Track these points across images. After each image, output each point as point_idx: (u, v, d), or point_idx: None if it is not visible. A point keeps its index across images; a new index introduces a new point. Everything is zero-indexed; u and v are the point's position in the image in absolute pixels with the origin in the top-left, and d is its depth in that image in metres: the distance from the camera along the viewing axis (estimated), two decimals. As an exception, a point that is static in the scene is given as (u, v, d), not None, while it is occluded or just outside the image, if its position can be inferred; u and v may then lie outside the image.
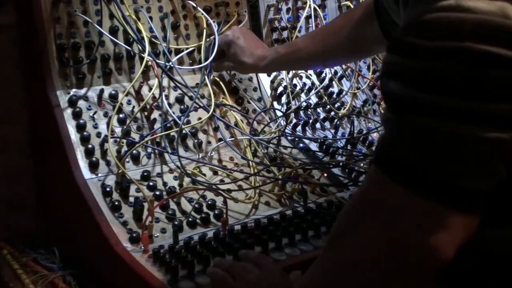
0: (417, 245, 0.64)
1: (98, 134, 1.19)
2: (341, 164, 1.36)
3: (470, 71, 0.60)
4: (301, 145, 1.40)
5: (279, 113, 1.45)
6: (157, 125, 1.25)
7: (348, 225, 0.71)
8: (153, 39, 1.30)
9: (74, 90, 1.22)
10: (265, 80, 1.48)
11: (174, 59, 1.33)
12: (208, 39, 1.37)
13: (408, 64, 0.63)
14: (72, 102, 1.20)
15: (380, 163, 0.67)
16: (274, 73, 1.50)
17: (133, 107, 1.25)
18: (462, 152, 0.61)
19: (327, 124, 1.51)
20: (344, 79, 1.61)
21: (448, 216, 0.63)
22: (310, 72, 1.57)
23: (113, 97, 1.24)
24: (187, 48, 1.37)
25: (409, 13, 0.67)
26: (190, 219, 1.12)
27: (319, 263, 0.75)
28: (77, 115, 1.19)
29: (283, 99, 1.49)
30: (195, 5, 1.38)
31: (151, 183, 1.17)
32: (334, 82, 1.57)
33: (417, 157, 0.63)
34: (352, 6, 1.66)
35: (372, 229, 0.67)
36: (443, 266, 0.65)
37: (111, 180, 1.15)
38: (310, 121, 1.49)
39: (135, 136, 1.23)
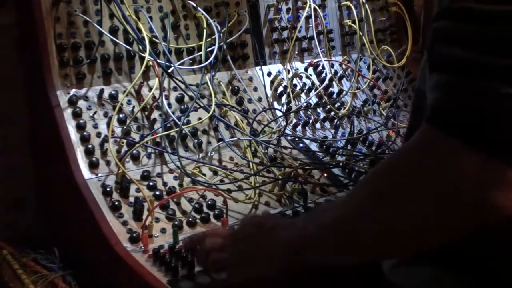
0: (473, 199, 0.64)
1: (98, 134, 1.19)
2: (341, 164, 1.36)
3: None
4: (301, 145, 1.40)
5: (279, 113, 1.45)
6: (157, 125, 1.25)
7: (396, 180, 0.71)
8: (153, 39, 1.30)
9: (74, 90, 1.22)
10: (265, 80, 1.48)
11: (176, 60, 1.33)
12: (208, 39, 1.37)
13: (467, 28, 0.64)
14: (72, 102, 1.20)
15: (438, 123, 0.67)
16: (274, 73, 1.50)
17: (133, 107, 1.25)
18: None
19: (327, 124, 1.51)
20: (344, 79, 1.61)
21: (510, 173, 0.63)
22: (310, 72, 1.57)
23: (113, 97, 1.24)
24: (187, 48, 1.37)
25: None
26: (190, 219, 1.12)
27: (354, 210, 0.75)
28: (77, 115, 1.19)
29: (283, 99, 1.49)
30: (195, 5, 1.38)
31: (151, 183, 1.17)
32: (334, 82, 1.57)
33: (481, 117, 0.63)
34: (352, 6, 1.67)
35: (426, 185, 0.67)
36: (500, 222, 0.65)
37: (111, 180, 1.15)
38: (310, 121, 1.49)
39: (135, 136, 1.23)
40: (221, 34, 1.40)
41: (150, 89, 1.29)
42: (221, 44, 1.39)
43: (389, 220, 0.71)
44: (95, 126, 1.20)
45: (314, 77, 1.57)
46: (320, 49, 1.59)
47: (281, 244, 0.83)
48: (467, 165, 0.64)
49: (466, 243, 0.69)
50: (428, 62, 0.71)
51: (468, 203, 0.64)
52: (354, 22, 1.66)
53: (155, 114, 1.27)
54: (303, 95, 1.52)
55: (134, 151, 1.19)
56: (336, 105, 1.55)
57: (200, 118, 1.30)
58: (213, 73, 1.38)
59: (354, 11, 1.67)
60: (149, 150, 1.23)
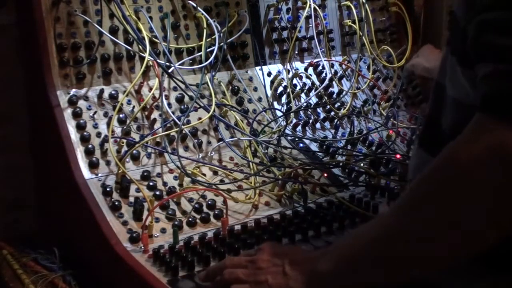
0: None
1: (98, 134, 1.19)
2: (341, 164, 1.36)
3: None
4: (301, 145, 1.40)
5: (279, 113, 1.45)
6: (157, 125, 1.25)
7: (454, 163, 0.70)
8: (153, 39, 1.30)
9: (74, 90, 1.22)
10: (265, 80, 1.48)
11: (176, 60, 1.33)
12: (208, 39, 1.37)
13: None
14: (72, 102, 1.20)
15: (495, 110, 0.67)
16: (274, 73, 1.50)
17: (133, 107, 1.25)
18: None
19: (327, 124, 1.51)
20: (344, 79, 1.61)
21: None
22: (310, 72, 1.57)
23: (113, 97, 1.24)
24: (187, 48, 1.37)
25: None
26: (190, 219, 1.12)
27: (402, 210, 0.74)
28: (77, 115, 1.19)
29: (283, 99, 1.49)
30: (195, 5, 1.38)
31: (151, 183, 1.17)
32: (334, 82, 1.57)
33: None
34: (352, 6, 1.67)
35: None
36: None
37: (111, 180, 1.15)
38: (310, 121, 1.49)
39: (135, 136, 1.23)
40: (221, 34, 1.40)
41: (150, 89, 1.29)
42: (221, 44, 1.39)
43: (453, 216, 0.69)
44: (95, 126, 1.20)
45: (314, 77, 1.57)
46: (320, 49, 1.59)
47: (318, 279, 0.80)
48: None
49: None
50: (473, 53, 0.71)
51: None
52: (354, 22, 1.66)
53: (155, 114, 1.27)
54: (303, 95, 1.52)
55: (134, 151, 1.19)
56: (336, 105, 1.55)
57: (200, 118, 1.30)
58: (213, 73, 1.38)
59: (354, 11, 1.67)
60: (149, 150, 1.23)
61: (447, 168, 0.70)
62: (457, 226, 0.70)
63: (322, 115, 1.52)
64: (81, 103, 1.21)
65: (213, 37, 1.38)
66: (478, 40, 0.70)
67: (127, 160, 1.19)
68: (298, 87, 1.52)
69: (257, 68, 1.50)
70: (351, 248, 0.80)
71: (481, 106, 0.68)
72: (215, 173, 1.26)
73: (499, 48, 0.68)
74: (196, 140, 1.28)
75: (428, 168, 0.74)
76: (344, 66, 1.63)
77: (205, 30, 1.37)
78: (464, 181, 0.68)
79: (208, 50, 1.37)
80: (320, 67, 1.58)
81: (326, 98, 1.54)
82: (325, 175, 1.31)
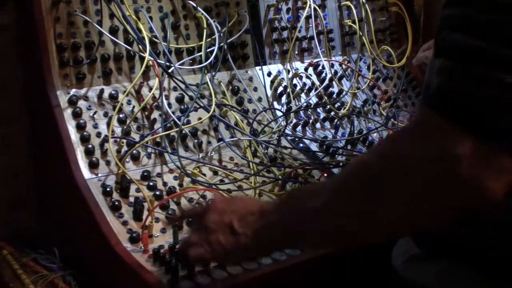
0: (466, 179, 0.65)
1: (98, 134, 1.19)
2: (341, 164, 1.36)
3: None
4: (301, 145, 1.40)
5: (279, 113, 1.45)
6: (157, 125, 1.25)
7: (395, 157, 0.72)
8: (153, 39, 1.30)
9: (74, 90, 1.22)
10: (265, 80, 1.48)
11: (176, 60, 1.33)
12: (208, 39, 1.37)
13: (478, 17, 0.65)
14: (72, 102, 1.20)
15: (438, 106, 0.68)
16: (274, 73, 1.50)
17: (133, 107, 1.25)
18: None
19: (327, 124, 1.51)
20: (344, 79, 1.61)
21: (502, 159, 0.65)
22: (310, 72, 1.57)
23: (113, 97, 1.24)
24: (187, 48, 1.37)
25: None
26: (190, 219, 1.12)
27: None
28: (77, 115, 1.19)
29: (283, 99, 1.49)
30: (195, 5, 1.38)
31: (151, 183, 1.17)
32: (334, 82, 1.57)
33: (482, 103, 0.65)
34: (352, 6, 1.67)
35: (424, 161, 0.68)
36: (487, 206, 0.67)
37: (111, 180, 1.15)
38: (310, 121, 1.49)
39: (135, 136, 1.23)
40: (221, 34, 1.40)
41: (150, 89, 1.29)
42: (221, 44, 1.39)
43: (387, 201, 0.71)
44: (95, 126, 1.20)
45: (314, 77, 1.57)
46: (320, 49, 1.59)
47: (281, 231, 0.83)
48: (463, 147, 0.65)
49: (468, 233, 0.69)
50: (433, 48, 0.72)
51: (462, 182, 0.66)
52: (354, 22, 1.66)
53: (155, 114, 1.27)
54: (303, 95, 1.52)
55: (134, 151, 1.19)
56: (336, 105, 1.55)
57: (200, 118, 1.30)
58: (213, 73, 1.38)
59: (354, 11, 1.67)
60: (149, 150, 1.23)
61: (393, 160, 0.72)
62: (375, 215, 0.72)
63: (322, 115, 1.52)
64: (81, 103, 1.21)
65: (213, 37, 1.38)
66: (437, 36, 0.71)
67: (127, 160, 1.19)
68: (298, 87, 1.52)
69: (257, 68, 1.50)
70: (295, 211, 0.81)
71: (427, 101, 0.69)
72: (215, 173, 1.26)
73: (449, 44, 0.68)
74: (196, 140, 1.28)
75: (371, 155, 0.79)
76: (344, 66, 1.63)
77: (205, 30, 1.37)
78: (398, 166, 0.70)
79: (208, 50, 1.37)
80: (320, 67, 1.58)
81: (326, 98, 1.54)
82: (325, 175, 1.31)
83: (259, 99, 1.45)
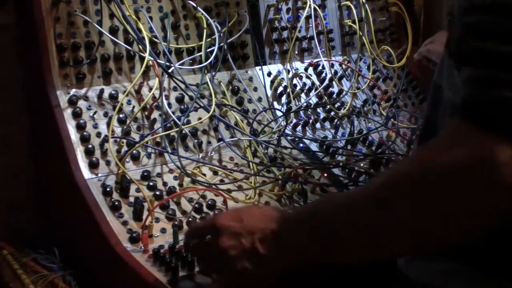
0: (507, 187, 0.65)
1: (98, 134, 1.19)
2: (341, 164, 1.36)
3: None
4: (301, 145, 1.40)
5: (279, 113, 1.45)
6: (157, 125, 1.25)
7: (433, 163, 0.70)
8: (153, 39, 1.30)
9: (74, 90, 1.22)
10: (265, 80, 1.48)
11: (176, 60, 1.33)
12: (208, 39, 1.37)
13: (504, 22, 0.65)
14: (72, 102, 1.20)
15: (471, 116, 0.67)
16: (274, 73, 1.50)
17: (133, 107, 1.25)
18: None
19: (327, 124, 1.51)
20: (344, 79, 1.62)
21: None
22: (310, 72, 1.57)
23: (113, 97, 1.24)
24: (187, 48, 1.37)
25: None
26: (190, 219, 1.12)
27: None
28: (77, 115, 1.19)
29: (283, 99, 1.49)
30: (195, 5, 1.38)
31: (151, 183, 1.17)
32: (334, 82, 1.57)
33: None
34: (352, 6, 1.67)
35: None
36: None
37: (111, 180, 1.15)
38: (310, 121, 1.49)
39: (135, 136, 1.23)
40: (221, 34, 1.40)
41: (150, 89, 1.29)
42: (221, 44, 1.39)
43: (425, 217, 0.70)
44: (95, 126, 1.20)
45: (314, 77, 1.57)
46: (320, 49, 1.59)
47: (295, 246, 0.80)
48: (503, 154, 0.64)
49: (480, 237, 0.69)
50: (457, 57, 0.71)
51: (504, 189, 0.64)
52: (354, 22, 1.66)
53: (155, 114, 1.27)
54: (303, 95, 1.52)
55: (134, 151, 1.19)
56: (336, 105, 1.55)
57: (200, 118, 1.30)
58: (213, 73, 1.38)
59: (354, 11, 1.67)
60: (149, 150, 1.23)
61: (427, 170, 0.70)
62: (419, 225, 0.70)
63: (322, 115, 1.52)
64: (81, 103, 1.21)
65: (213, 37, 1.38)
66: (460, 43, 0.70)
67: (127, 160, 1.19)
68: (298, 87, 1.52)
69: (257, 68, 1.50)
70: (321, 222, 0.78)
71: (460, 110, 0.68)
72: (215, 173, 1.26)
73: (478, 52, 0.67)
74: (196, 140, 1.28)
75: (402, 167, 0.76)
76: (344, 66, 1.63)
77: (205, 30, 1.37)
78: (442, 186, 0.68)
79: (208, 50, 1.37)
80: (320, 67, 1.58)
81: (326, 98, 1.54)
82: (325, 175, 1.31)
83: (259, 99, 1.45)
